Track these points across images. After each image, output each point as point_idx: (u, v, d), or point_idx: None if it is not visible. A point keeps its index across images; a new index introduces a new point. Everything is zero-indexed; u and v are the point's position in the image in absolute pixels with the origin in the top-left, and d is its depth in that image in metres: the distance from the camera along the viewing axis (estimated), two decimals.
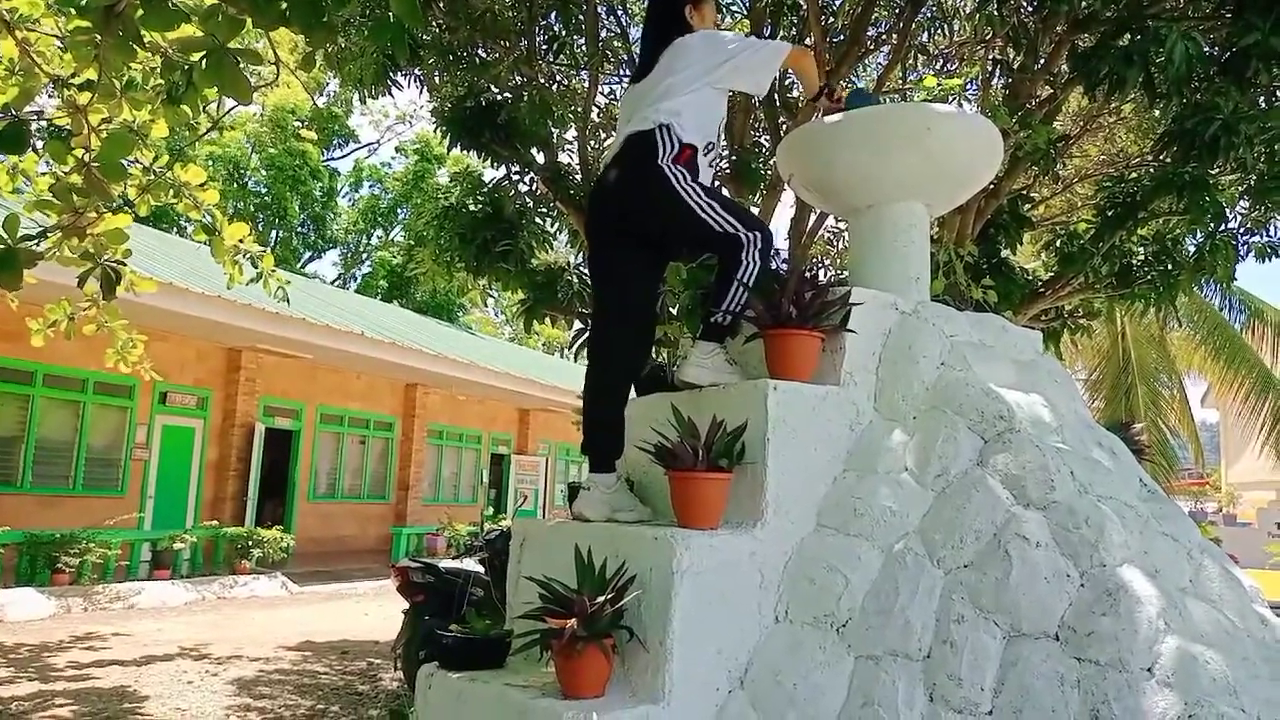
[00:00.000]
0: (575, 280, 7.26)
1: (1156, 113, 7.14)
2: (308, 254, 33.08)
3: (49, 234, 4.61)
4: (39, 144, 4.67)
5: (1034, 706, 2.24)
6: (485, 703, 2.59)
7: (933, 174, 3.33)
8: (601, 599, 2.47)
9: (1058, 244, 7.09)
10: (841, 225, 8.67)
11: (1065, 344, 8.63)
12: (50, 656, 7.73)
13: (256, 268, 5.99)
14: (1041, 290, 7.23)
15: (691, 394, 2.99)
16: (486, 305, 34.94)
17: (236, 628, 9.83)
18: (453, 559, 9.07)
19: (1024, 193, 7.32)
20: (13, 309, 6.90)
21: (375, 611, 11.07)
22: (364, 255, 34.49)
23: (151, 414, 14.17)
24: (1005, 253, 6.98)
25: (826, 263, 8.95)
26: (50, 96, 5.05)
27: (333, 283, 30.98)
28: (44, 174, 5.06)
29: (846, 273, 4.39)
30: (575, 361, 13.52)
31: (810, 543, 2.72)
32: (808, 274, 3.13)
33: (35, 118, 4.97)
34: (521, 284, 7.34)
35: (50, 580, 10.60)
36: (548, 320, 7.76)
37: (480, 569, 6.32)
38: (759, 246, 2.92)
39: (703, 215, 2.93)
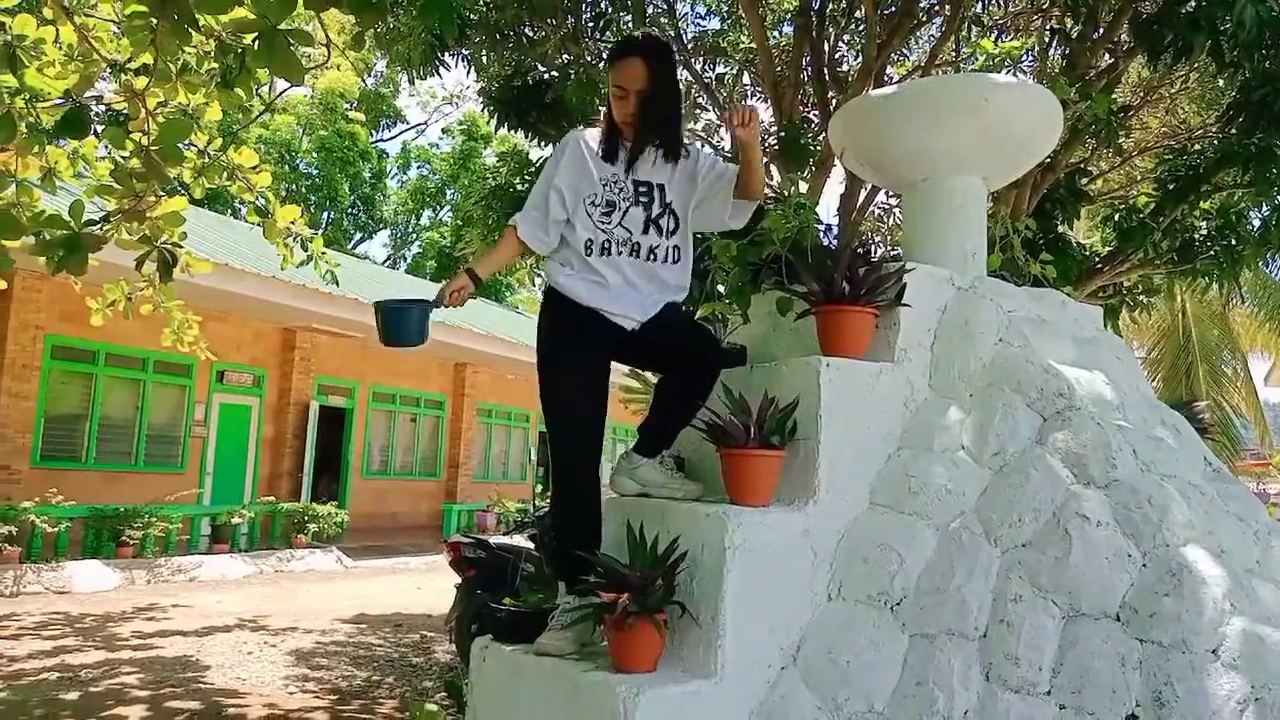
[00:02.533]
0: None
1: (1222, 82, 6.90)
2: (358, 235, 33.48)
3: (110, 218, 4.71)
4: (98, 129, 4.76)
5: (1094, 687, 2.21)
6: (539, 675, 2.62)
7: (990, 146, 3.26)
8: (653, 574, 2.48)
9: (1116, 218, 6.91)
10: (892, 201, 8.54)
11: (1124, 321, 8.43)
12: (115, 626, 7.98)
13: (307, 250, 6.07)
14: (1099, 266, 7.06)
15: (742, 371, 2.98)
16: (534, 285, 35.11)
17: (293, 600, 10.05)
18: (503, 535, 9.18)
19: (1081, 166, 7.14)
20: (75, 290, 7.09)
21: (428, 585, 11.24)
22: (413, 236, 34.81)
23: (209, 392, 14.49)
24: (1061, 228, 6.82)
25: (877, 239, 8.82)
26: (107, 82, 5.15)
27: (383, 263, 31.33)
28: (102, 159, 5.16)
29: (899, 249, 4.32)
30: None
31: (864, 521, 2.70)
32: (861, 249, 3.09)
33: (94, 103, 5.08)
34: None
35: (115, 553, 10.93)
36: None
37: (530, 545, 6.39)
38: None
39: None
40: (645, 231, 2.83)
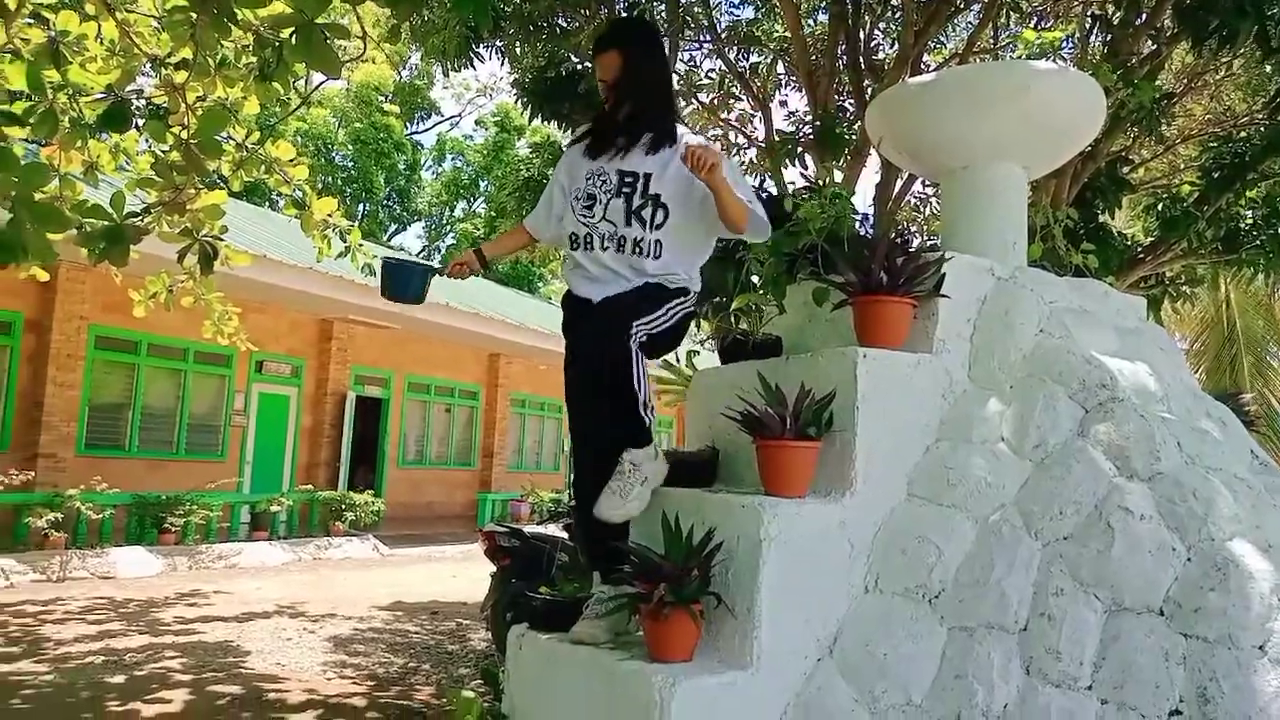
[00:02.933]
0: None
1: (1269, 68, 6.75)
2: (393, 227, 33.75)
3: (151, 211, 4.78)
4: (139, 123, 4.83)
5: (1136, 682, 2.18)
6: (575, 663, 2.64)
7: (1031, 133, 3.21)
8: (689, 565, 2.48)
9: (1159, 207, 6.78)
10: (929, 190, 8.45)
11: (1166, 312, 8.29)
12: (158, 611, 8.13)
13: (345, 241, 6.13)
14: (1141, 256, 6.94)
15: (778, 361, 2.97)
16: None
17: (331, 587, 10.18)
18: (537, 525, 9.23)
19: (1123, 154, 7.01)
20: (117, 281, 7.22)
21: (463, 574, 11.34)
22: (447, 227, 35.02)
23: (249, 382, 14.70)
24: (1103, 218, 6.71)
25: (913, 230, 8.74)
26: (148, 77, 5.22)
27: (418, 255, 31.56)
28: (143, 153, 5.23)
29: (937, 239, 4.27)
30: None
31: (901, 513, 2.68)
32: (898, 239, 3.06)
33: (135, 97, 5.15)
34: None
35: (157, 540, 11.14)
36: None
37: (565, 535, 6.42)
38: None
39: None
40: (629, 223, 2.79)
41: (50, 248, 4.06)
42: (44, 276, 6.25)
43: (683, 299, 2.86)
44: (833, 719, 2.46)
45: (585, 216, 2.83)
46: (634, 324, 2.69)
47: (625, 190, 2.78)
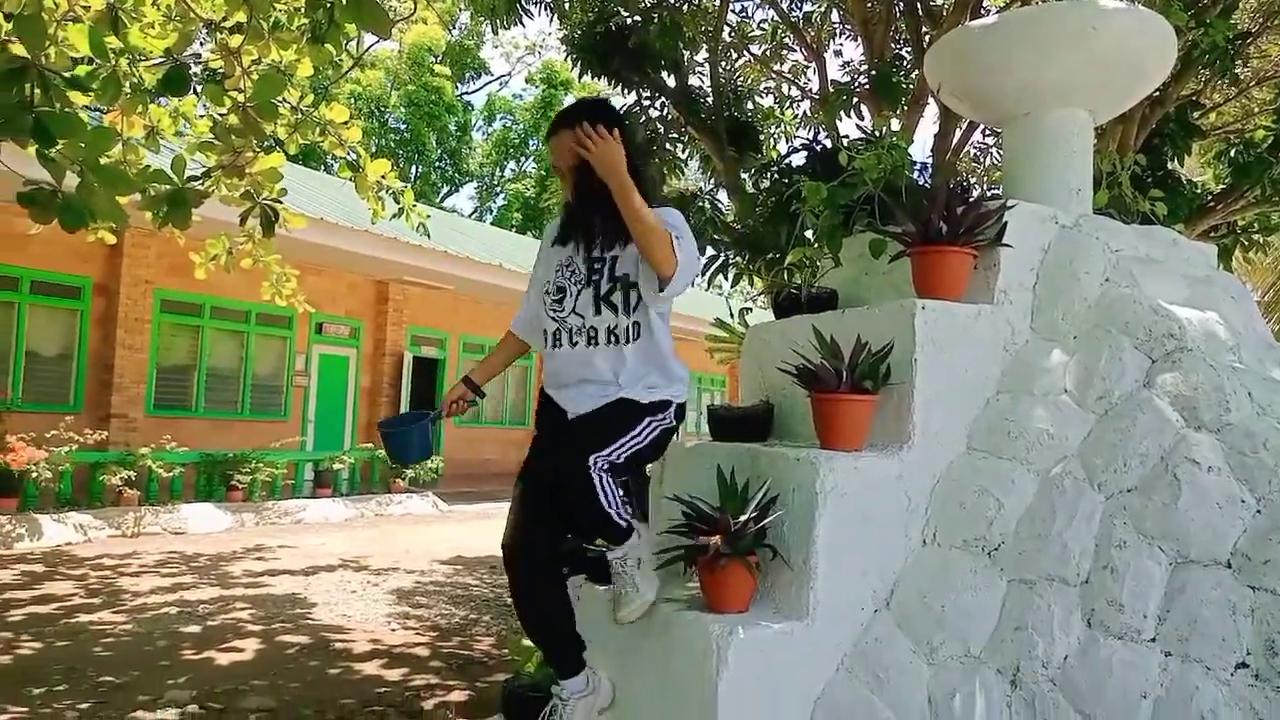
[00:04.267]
0: (708, 206, 7.18)
1: None
2: (445, 188, 33.94)
3: (211, 174, 4.87)
4: (197, 87, 4.90)
5: (1202, 635, 2.14)
6: None
7: (1098, 77, 3.10)
8: (745, 517, 2.49)
9: (1231, 154, 6.52)
10: (990, 140, 8.23)
11: (1237, 261, 8.00)
12: (227, 565, 8.42)
13: (399, 203, 6.18)
14: (1212, 204, 6.69)
15: (834, 314, 2.94)
16: None
17: (393, 542, 10.43)
18: None
19: (1194, 99, 6.74)
20: (181, 245, 7.38)
21: None
22: (498, 188, 35.13)
23: (309, 343, 15.01)
24: (1171, 164, 6.48)
25: (972, 180, 8.53)
26: (203, 42, 5.28)
27: (469, 216, 31.74)
28: (201, 117, 5.31)
29: (998, 188, 4.17)
30: (707, 289, 13.46)
31: (960, 466, 2.65)
32: (958, 188, 2.99)
33: (193, 61, 5.22)
34: None
35: (225, 496, 11.50)
36: None
37: None
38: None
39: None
40: (599, 312, 2.59)
41: (119, 210, 4.16)
42: (111, 240, 6.41)
43: (661, 415, 2.61)
44: (889, 670, 2.46)
45: (555, 311, 2.66)
46: (596, 456, 2.46)
47: (594, 277, 2.59)
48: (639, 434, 2.56)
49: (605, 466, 2.48)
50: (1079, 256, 2.80)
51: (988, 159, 8.77)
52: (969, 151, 8.38)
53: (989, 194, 3.28)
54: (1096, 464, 2.46)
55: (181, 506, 10.85)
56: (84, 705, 4.52)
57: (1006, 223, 2.75)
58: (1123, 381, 2.56)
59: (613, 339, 2.58)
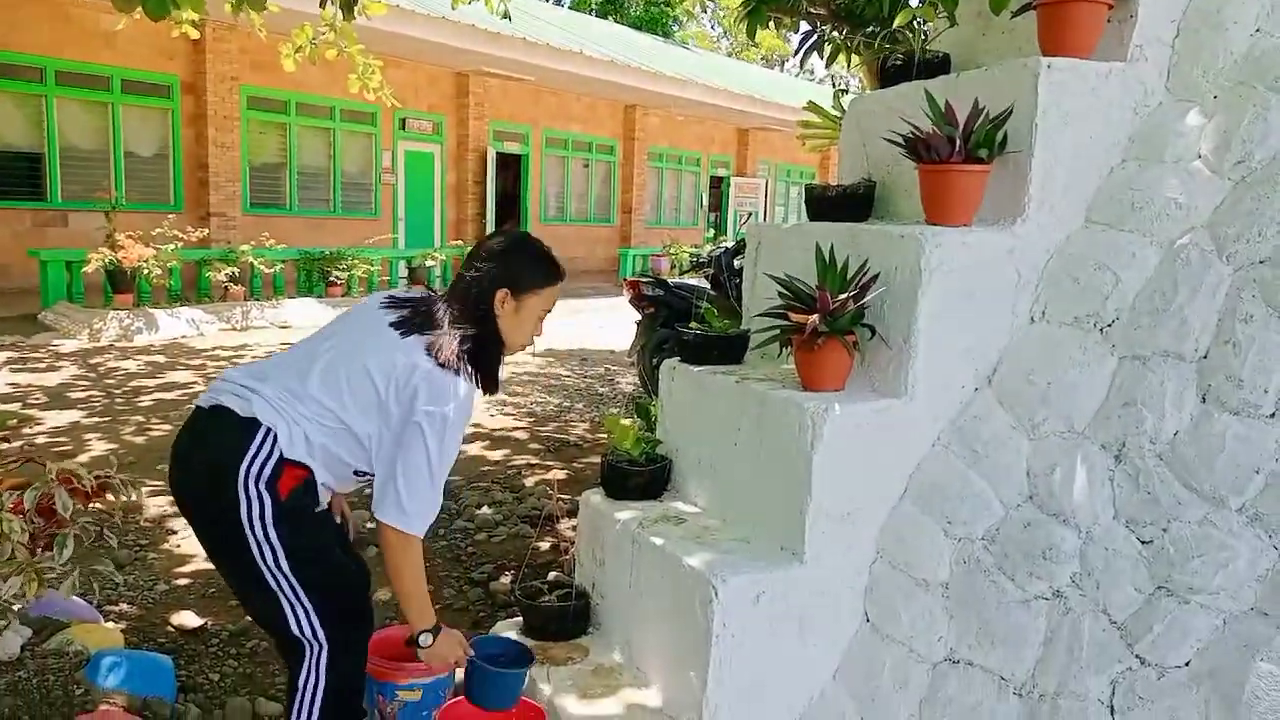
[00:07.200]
0: None
1: None
2: None
3: None
4: None
5: None
6: (725, 392, 2.69)
7: None
8: (844, 296, 2.43)
9: None
10: None
11: None
12: None
13: None
14: None
15: (947, 79, 2.73)
16: (704, 13, 33.38)
17: None
18: (679, 276, 9.28)
19: None
20: (261, 39, 7.27)
21: (608, 324, 11.72)
22: None
23: (395, 140, 14.98)
24: None
25: None
26: None
27: (548, 0, 30.42)
28: None
29: None
30: (800, 72, 12.85)
31: (1077, 239, 2.51)
32: None
33: None
34: None
35: (325, 292, 11.90)
36: (770, 26, 7.25)
37: (706, 285, 6.45)
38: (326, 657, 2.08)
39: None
40: None
41: None
42: (194, 34, 6.34)
43: None
44: (987, 445, 2.45)
45: None
46: None
47: None
48: None
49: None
50: (1229, 3, 2.50)
51: None
52: None
53: None
54: (1228, 234, 2.29)
55: (284, 301, 11.29)
56: None
57: None
58: (1266, 144, 2.33)
59: None
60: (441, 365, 2.03)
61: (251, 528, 1.95)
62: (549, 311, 2.26)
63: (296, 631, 2.04)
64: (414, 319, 2.12)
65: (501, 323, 2.17)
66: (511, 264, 2.18)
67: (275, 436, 1.98)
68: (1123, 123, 2.54)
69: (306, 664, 2.06)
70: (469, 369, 2.08)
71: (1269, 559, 1.98)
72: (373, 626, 2.27)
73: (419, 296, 2.24)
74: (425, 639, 2.12)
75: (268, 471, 1.96)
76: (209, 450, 2.02)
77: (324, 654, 2.06)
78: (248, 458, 1.95)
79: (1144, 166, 2.48)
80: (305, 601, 2.03)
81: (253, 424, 1.98)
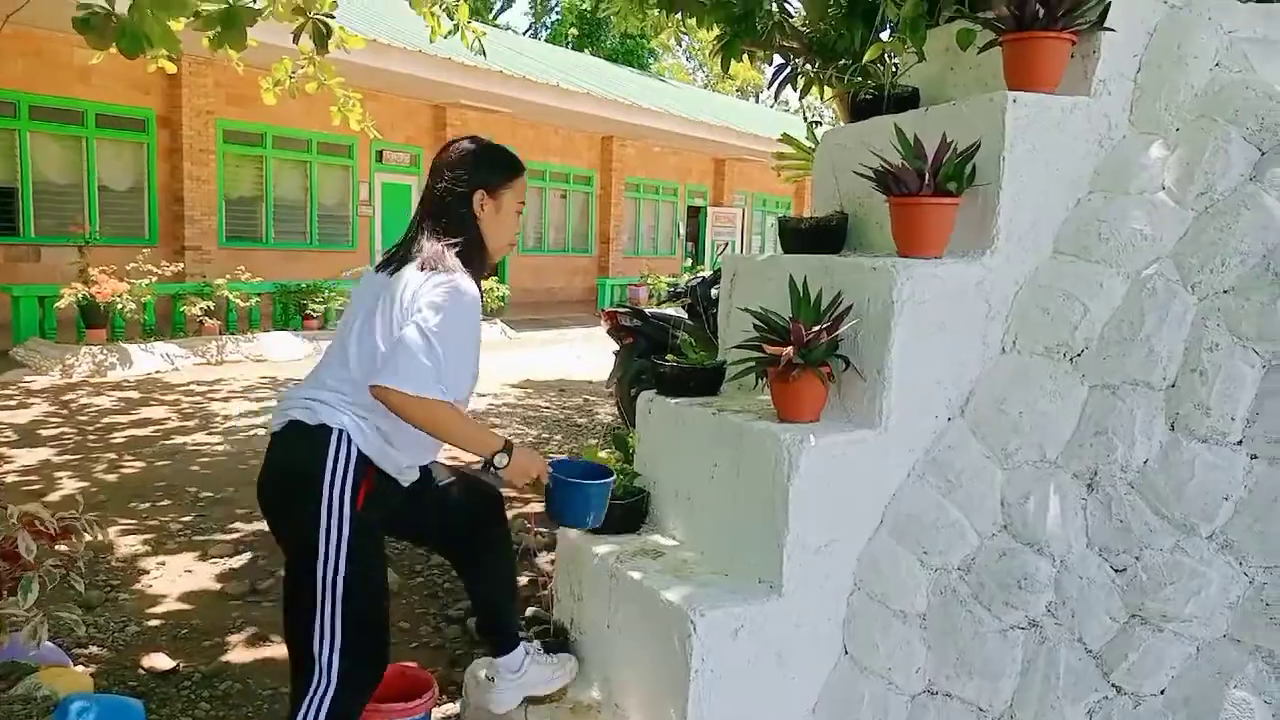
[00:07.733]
0: (775, 10, 6.75)
1: None
2: (499, 3, 32.72)
3: None
4: None
5: None
6: (702, 424, 2.70)
7: None
8: (818, 328, 2.45)
9: None
10: None
11: None
12: None
13: (453, 19, 5.96)
14: None
15: (916, 113, 2.77)
16: (679, 46, 33.74)
17: None
18: (657, 306, 9.32)
19: None
20: (239, 72, 7.28)
21: (586, 355, 11.73)
22: (553, 2, 33.73)
23: (371, 172, 15.00)
24: None
25: None
26: None
27: (524, 34, 30.68)
28: None
29: None
30: (775, 103, 13.00)
31: (1045, 271, 2.55)
32: None
33: None
34: (717, 19, 6.90)
35: (302, 325, 11.84)
36: (745, 59, 7.34)
37: (684, 314, 6.48)
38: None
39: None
40: None
41: (173, 35, 4.08)
42: (171, 68, 6.34)
43: None
44: (962, 475, 2.46)
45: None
46: None
47: None
48: None
49: None
50: (1188, 39, 2.56)
51: None
52: None
53: None
54: (1192, 264, 2.33)
55: (260, 335, 11.22)
56: (186, 518, 4.83)
57: (1110, 2, 2.52)
58: (1227, 176, 2.38)
59: None
60: (436, 272, 2.09)
61: (326, 538, 2.01)
62: (524, 204, 2.35)
63: (315, 650, 2.04)
64: (398, 254, 2.23)
65: (484, 225, 2.25)
66: (480, 166, 2.25)
67: (348, 437, 2.03)
68: (1088, 155, 2.58)
69: (310, 695, 2.04)
70: (463, 269, 2.14)
71: (1240, 586, 2.00)
72: (385, 668, 2.22)
73: (400, 240, 2.32)
74: (500, 459, 2.16)
75: (350, 477, 2.02)
76: (292, 463, 2.08)
77: (330, 691, 2.04)
78: (328, 465, 2.01)
79: (1109, 198, 2.52)
80: (338, 631, 2.04)
81: (323, 430, 2.03)
